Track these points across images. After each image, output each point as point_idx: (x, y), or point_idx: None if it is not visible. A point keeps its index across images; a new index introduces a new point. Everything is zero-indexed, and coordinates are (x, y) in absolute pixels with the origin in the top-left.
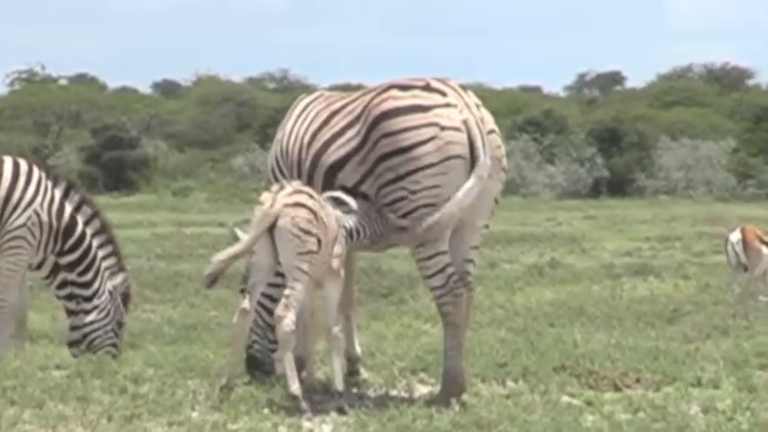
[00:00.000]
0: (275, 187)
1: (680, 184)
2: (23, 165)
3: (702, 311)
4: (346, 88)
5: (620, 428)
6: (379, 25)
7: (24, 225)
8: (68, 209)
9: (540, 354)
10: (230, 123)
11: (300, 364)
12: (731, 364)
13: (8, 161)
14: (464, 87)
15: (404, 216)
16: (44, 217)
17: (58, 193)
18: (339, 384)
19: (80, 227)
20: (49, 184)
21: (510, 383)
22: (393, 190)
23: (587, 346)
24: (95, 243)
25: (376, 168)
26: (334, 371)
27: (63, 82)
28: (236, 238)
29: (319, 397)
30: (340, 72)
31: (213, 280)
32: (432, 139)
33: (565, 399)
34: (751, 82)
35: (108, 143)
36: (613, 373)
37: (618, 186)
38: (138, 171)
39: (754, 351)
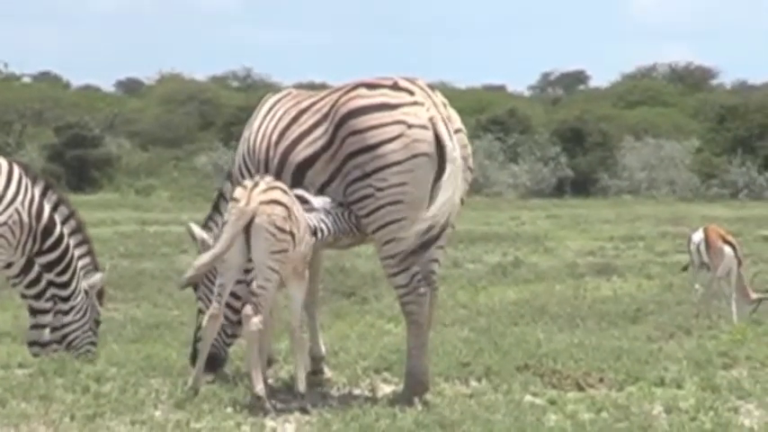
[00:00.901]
0: (249, 183)
1: (643, 183)
2: (4, 163)
3: (665, 311)
4: (311, 87)
5: (583, 428)
6: (343, 24)
7: (5, 224)
8: (47, 208)
9: (503, 353)
10: (194, 122)
11: (267, 363)
12: (694, 363)
13: None
14: (432, 87)
15: (369, 214)
16: (24, 216)
17: (37, 192)
18: (301, 385)
19: (59, 227)
20: (29, 183)
21: (473, 383)
22: (360, 187)
23: (550, 346)
24: (72, 242)
25: (344, 167)
26: (297, 371)
27: (26, 80)
28: (192, 236)
29: (283, 396)
30: (303, 71)
31: (192, 283)
32: (398, 136)
33: (528, 398)
34: (714, 82)
35: (71, 141)
36: (576, 372)
37: (581, 186)
38: (101, 170)
39: (716, 351)
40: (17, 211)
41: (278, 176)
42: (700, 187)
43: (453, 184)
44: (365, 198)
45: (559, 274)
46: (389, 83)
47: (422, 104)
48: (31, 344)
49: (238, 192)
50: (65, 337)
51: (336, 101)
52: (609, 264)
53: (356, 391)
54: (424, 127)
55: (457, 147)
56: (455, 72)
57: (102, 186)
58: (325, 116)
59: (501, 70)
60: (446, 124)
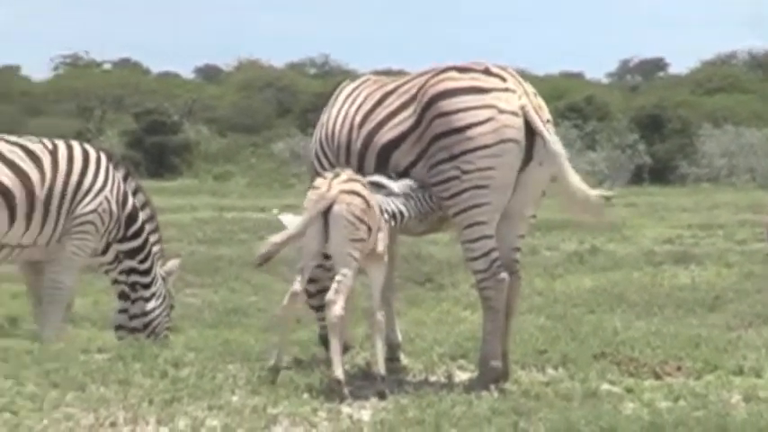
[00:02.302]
0: (330, 174)
1: (722, 171)
2: (92, 151)
3: (745, 299)
4: (389, 74)
5: (660, 416)
6: (420, 12)
7: (95, 211)
8: (130, 195)
9: (579, 341)
10: (271, 108)
11: (345, 349)
12: None
13: (77, 148)
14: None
15: (453, 197)
16: (113, 204)
17: (120, 180)
18: (381, 368)
19: (140, 214)
20: (114, 171)
21: (549, 370)
22: (445, 169)
23: (627, 334)
24: (149, 228)
25: (430, 148)
26: (377, 355)
27: (106, 66)
28: (282, 225)
29: (359, 383)
30: (381, 58)
31: (266, 260)
32: (488, 120)
33: (604, 386)
34: None
35: (150, 128)
36: (653, 360)
37: (660, 173)
38: (179, 156)
39: None
40: (106, 198)
41: (361, 158)
42: None
43: (571, 176)
44: (449, 180)
45: (637, 261)
46: (481, 68)
47: (513, 91)
48: (118, 328)
49: (319, 180)
50: (147, 323)
51: (425, 83)
52: (687, 252)
53: (432, 378)
54: (514, 113)
55: (555, 137)
56: (533, 59)
57: (181, 173)
58: (413, 97)
59: (579, 57)
60: (538, 113)
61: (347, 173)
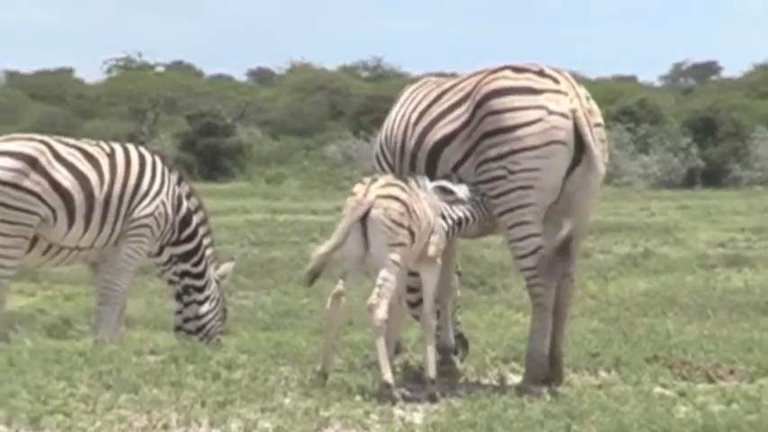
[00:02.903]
0: (368, 179)
1: None
2: (148, 155)
3: None
4: (441, 76)
5: (713, 420)
6: (472, 14)
7: (152, 215)
8: (184, 199)
9: (632, 344)
10: (324, 111)
11: (395, 352)
12: None
13: (134, 151)
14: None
15: (499, 196)
16: (168, 208)
17: (174, 183)
18: (432, 371)
19: (194, 217)
20: (169, 175)
21: (602, 373)
22: (492, 168)
23: (680, 337)
24: (202, 231)
25: (478, 146)
26: (428, 358)
27: (159, 69)
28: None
29: (411, 385)
30: (433, 61)
31: (315, 276)
32: (537, 121)
33: (657, 389)
34: None
35: (203, 130)
36: (707, 364)
37: (713, 176)
38: (232, 158)
39: None
40: (162, 202)
41: (413, 158)
42: None
43: (587, 191)
44: (496, 179)
45: (690, 265)
46: (536, 68)
47: (565, 94)
48: (178, 329)
49: (357, 186)
50: (200, 327)
51: (480, 80)
52: (740, 255)
53: (484, 381)
54: (564, 116)
55: (598, 144)
56: (586, 62)
57: (234, 175)
58: (468, 95)
59: (632, 61)
60: (587, 118)
61: (386, 177)
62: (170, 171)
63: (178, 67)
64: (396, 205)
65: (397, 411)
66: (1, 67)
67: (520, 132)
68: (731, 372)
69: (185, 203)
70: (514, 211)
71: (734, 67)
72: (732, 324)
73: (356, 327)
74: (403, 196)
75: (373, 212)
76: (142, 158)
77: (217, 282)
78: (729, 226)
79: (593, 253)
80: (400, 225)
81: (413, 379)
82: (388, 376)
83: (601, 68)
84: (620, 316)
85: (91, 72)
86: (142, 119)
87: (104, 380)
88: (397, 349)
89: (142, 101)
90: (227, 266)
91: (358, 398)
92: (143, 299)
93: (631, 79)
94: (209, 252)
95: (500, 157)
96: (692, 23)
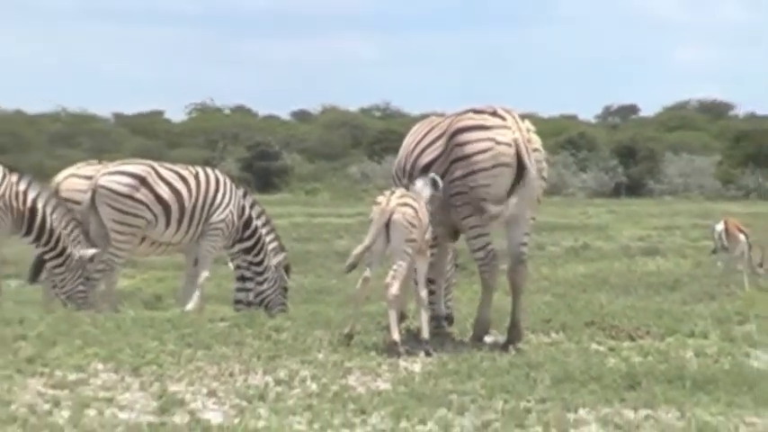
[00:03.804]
0: (388, 192)
1: (680, 187)
2: (221, 176)
3: (696, 282)
4: (436, 115)
5: (634, 368)
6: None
7: (223, 220)
8: (247, 207)
9: (575, 313)
10: (347, 141)
11: (401, 318)
12: (717, 320)
13: (211, 173)
14: (522, 116)
15: (461, 205)
16: (235, 215)
17: (239, 196)
18: (425, 333)
19: (255, 220)
20: (235, 190)
21: (553, 335)
22: (457, 185)
23: (610, 307)
24: (264, 231)
25: (449, 168)
26: (423, 324)
27: (226, 111)
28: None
29: (411, 344)
30: (430, 103)
31: (353, 267)
32: (488, 149)
33: (593, 346)
34: (732, 112)
35: (258, 156)
36: (629, 327)
37: (633, 189)
38: (279, 177)
39: (734, 311)
40: (230, 211)
41: (410, 177)
42: (721, 190)
43: (523, 193)
44: (460, 193)
45: (617, 254)
46: (491, 110)
47: (509, 128)
48: (236, 302)
49: (380, 197)
50: (262, 301)
51: (452, 121)
52: (654, 247)
53: (465, 341)
54: (508, 144)
55: (533, 163)
56: (542, 104)
57: (281, 189)
58: (444, 132)
59: (575, 103)
60: (525, 145)
61: (401, 190)
62: (236, 187)
63: (240, 109)
64: (410, 211)
65: (402, 363)
66: (110, 110)
67: (475, 158)
68: (647, 333)
69: (248, 211)
70: (471, 217)
71: (649, 108)
72: (648, 298)
73: (372, 301)
74: (414, 204)
75: (395, 217)
76: (217, 179)
77: (275, 267)
78: (646, 225)
79: (546, 246)
80: (413, 225)
81: (412, 339)
82: (396, 336)
83: (551, 109)
84: (566, 292)
85: (176, 113)
86: (214, 148)
87: (186, 340)
88: (402, 317)
89: (214, 135)
90: (280, 257)
91: (372, 353)
92: (215, 281)
93: (573, 117)
94: (273, 245)
95: (462, 177)
96: (619, 76)
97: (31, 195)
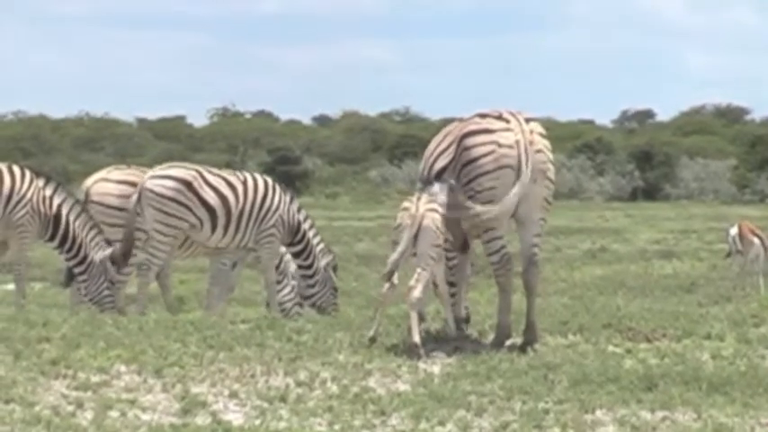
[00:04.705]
0: (414, 198)
1: (695, 191)
2: (270, 181)
3: (712, 284)
4: (454, 119)
5: (650, 369)
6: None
7: (274, 225)
8: (294, 211)
9: (592, 315)
10: (367, 146)
11: (421, 319)
12: (732, 322)
13: (260, 179)
14: (528, 118)
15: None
16: (285, 218)
17: (288, 200)
18: (451, 330)
19: (302, 224)
20: (284, 196)
21: (570, 336)
22: (467, 190)
23: (627, 310)
24: (311, 234)
25: (460, 173)
26: (448, 320)
27: (247, 116)
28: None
29: (431, 345)
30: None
31: (392, 274)
32: (491, 152)
33: (610, 348)
34: (747, 117)
35: (279, 160)
36: (646, 329)
37: (650, 193)
38: (301, 181)
39: (749, 313)
40: (281, 216)
41: (428, 181)
42: (736, 194)
43: (513, 199)
44: (470, 198)
45: (634, 257)
46: (496, 114)
47: (512, 130)
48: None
49: (406, 203)
50: (313, 303)
51: (461, 127)
52: (670, 250)
53: (484, 342)
54: (510, 147)
55: (529, 167)
56: (559, 109)
57: (302, 193)
58: (454, 137)
59: (592, 108)
60: (526, 146)
61: (426, 196)
62: (284, 193)
63: (261, 114)
64: (437, 216)
65: (421, 365)
66: (134, 115)
67: (480, 162)
68: (664, 335)
69: (296, 216)
70: (482, 222)
71: (665, 113)
72: (664, 300)
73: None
74: (440, 210)
75: (425, 222)
76: (266, 184)
77: (324, 269)
78: (662, 229)
79: (563, 248)
80: (440, 231)
81: (432, 341)
82: (416, 339)
83: (569, 114)
84: (584, 294)
85: (198, 118)
86: (235, 152)
87: (208, 341)
88: (420, 319)
89: (235, 139)
90: (328, 257)
91: (392, 355)
92: (239, 285)
93: (591, 122)
94: (320, 248)
95: (470, 181)
96: (637, 81)
97: (56, 201)
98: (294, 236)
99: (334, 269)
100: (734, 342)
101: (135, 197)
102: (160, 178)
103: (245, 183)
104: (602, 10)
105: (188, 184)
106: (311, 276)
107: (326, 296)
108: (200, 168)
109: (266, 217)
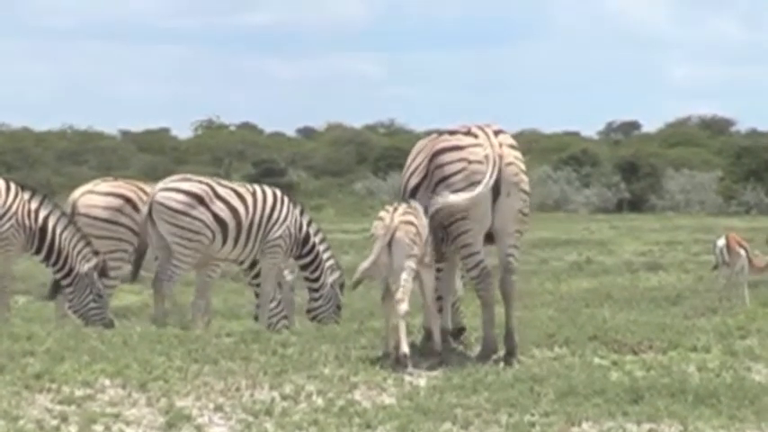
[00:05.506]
0: (390, 208)
1: (681, 203)
2: (279, 193)
3: (698, 296)
4: (437, 132)
5: (636, 382)
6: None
7: (281, 236)
8: (304, 224)
9: (578, 327)
10: (352, 158)
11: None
12: (718, 334)
13: (269, 191)
14: (497, 131)
15: (448, 226)
16: (292, 230)
17: (297, 213)
18: (437, 346)
19: (312, 237)
20: (293, 207)
21: (556, 349)
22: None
23: (613, 322)
24: (321, 248)
25: (435, 190)
26: (434, 335)
27: (232, 128)
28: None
29: (416, 359)
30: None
31: (359, 282)
32: (462, 170)
33: (596, 360)
34: (733, 128)
35: (264, 172)
36: (632, 341)
37: (636, 204)
38: (285, 193)
39: (735, 325)
40: (288, 227)
41: (403, 196)
42: (722, 206)
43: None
44: (445, 215)
45: (619, 269)
46: (465, 130)
47: (481, 146)
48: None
49: (382, 213)
50: (315, 316)
51: (433, 144)
52: (656, 262)
53: (471, 354)
54: (480, 162)
55: (492, 178)
56: (544, 121)
57: None
58: (426, 155)
59: (577, 120)
60: (495, 160)
61: (402, 207)
62: (294, 205)
63: (245, 126)
64: (412, 228)
65: (407, 377)
66: (118, 127)
67: (452, 180)
68: (650, 347)
69: (305, 227)
70: (459, 237)
71: (651, 124)
72: (650, 312)
73: (376, 317)
74: (415, 221)
75: (397, 234)
76: (274, 196)
77: (331, 285)
78: (648, 240)
79: (549, 260)
80: (415, 242)
81: (417, 354)
82: (406, 350)
83: (554, 125)
84: (569, 307)
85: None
86: (220, 164)
87: (193, 355)
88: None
89: (220, 151)
90: (336, 274)
91: (377, 368)
92: (221, 296)
93: (576, 134)
94: (330, 262)
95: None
96: (622, 93)
97: (42, 214)
98: (303, 248)
99: (341, 287)
100: (720, 354)
101: (146, 209)
102: (171, 191)
103: (254, 194)
104: (587, 22)
105: (199, 199)
106: (317, 290)
107: (329, 312)
108: (211, 181)
109: (273, 228)
